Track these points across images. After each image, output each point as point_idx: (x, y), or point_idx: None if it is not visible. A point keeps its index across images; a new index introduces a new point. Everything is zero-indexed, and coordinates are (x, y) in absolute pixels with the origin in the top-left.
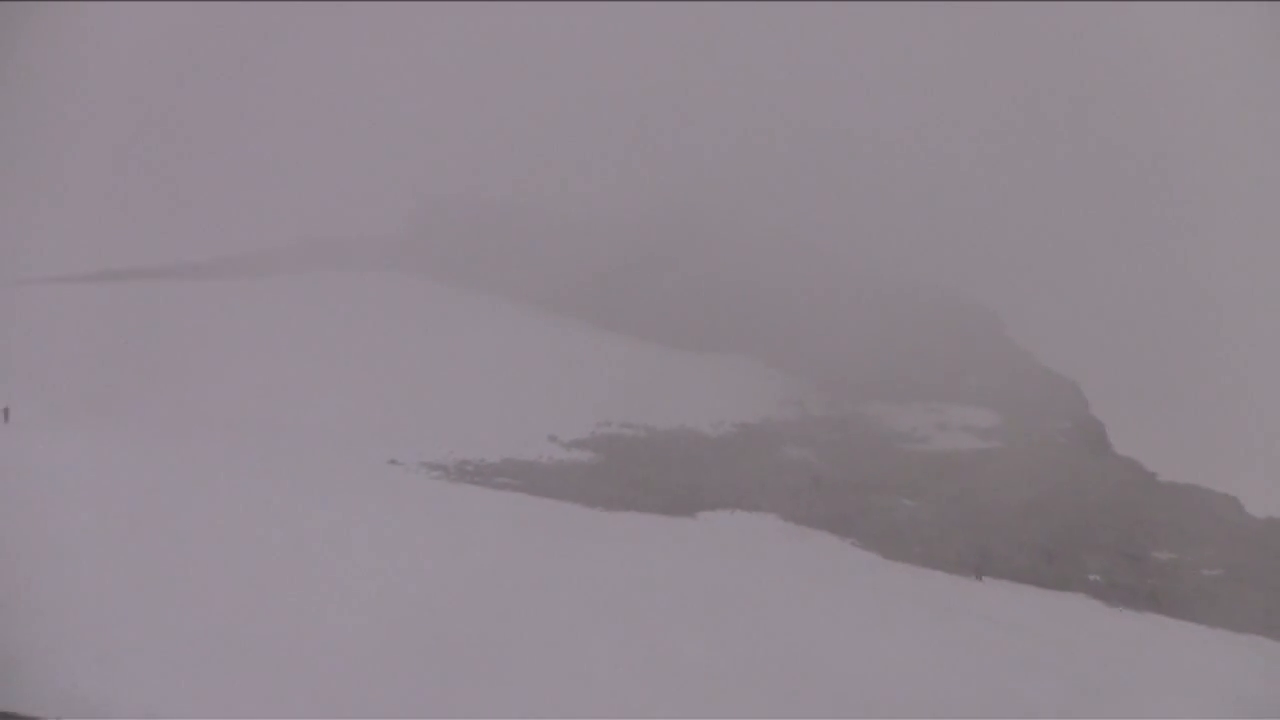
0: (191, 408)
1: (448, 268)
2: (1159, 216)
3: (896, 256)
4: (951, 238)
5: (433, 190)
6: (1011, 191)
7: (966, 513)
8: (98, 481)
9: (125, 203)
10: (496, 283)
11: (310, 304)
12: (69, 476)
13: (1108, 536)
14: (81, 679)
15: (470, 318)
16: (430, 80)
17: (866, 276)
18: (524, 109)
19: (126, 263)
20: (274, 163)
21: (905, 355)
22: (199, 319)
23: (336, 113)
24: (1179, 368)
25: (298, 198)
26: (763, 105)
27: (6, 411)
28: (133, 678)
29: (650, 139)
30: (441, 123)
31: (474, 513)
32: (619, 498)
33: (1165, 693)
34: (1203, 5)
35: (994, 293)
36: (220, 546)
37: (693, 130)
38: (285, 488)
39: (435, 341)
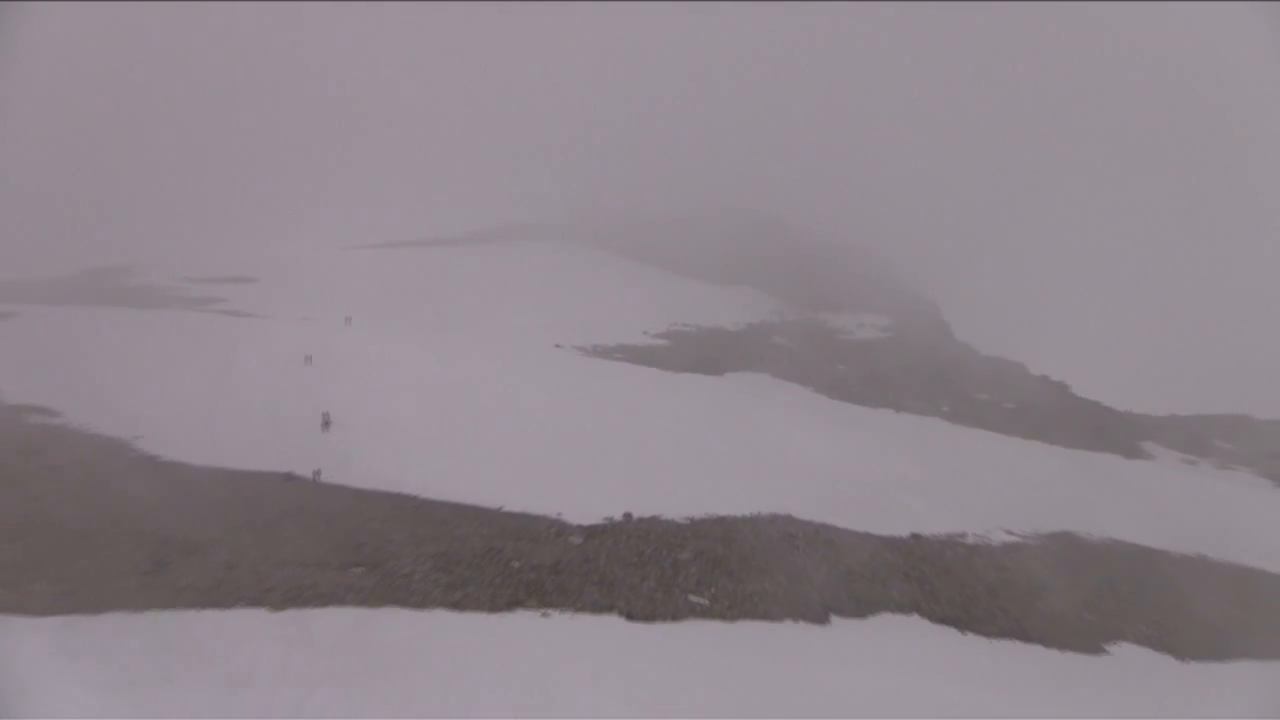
0: (446, 318)
1: (592, 240)
2: (996, 180)
3: (840, 228)
4: (872, 214)
5: (585, 191)
6: (905, 172)
7: (873, 373)
8: (398, 357)
9: (405, 199)
10: (621, 248)
11: (508, 260)
12: (386, 356)
13: (951, 386)
14: (383, 467)
15: (604, 268)
16: (586, 113)
17: (822, 243)
18: (651, 130)
19: (407, 236)
20: (486, 174)
21: (839, 286)
22: (448, 268)
23: (523, 139)
24: (994, 290)
25: (500, 198)
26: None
27: (349, 319)
28: (416, 466)
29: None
30: (590, 145)
31: (602, 373)
32: (681, 364)
33: (984, 471)
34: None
35: (890, 249)
36: (464, 391)
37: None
38: (497, 360)
39: (582, 281)
